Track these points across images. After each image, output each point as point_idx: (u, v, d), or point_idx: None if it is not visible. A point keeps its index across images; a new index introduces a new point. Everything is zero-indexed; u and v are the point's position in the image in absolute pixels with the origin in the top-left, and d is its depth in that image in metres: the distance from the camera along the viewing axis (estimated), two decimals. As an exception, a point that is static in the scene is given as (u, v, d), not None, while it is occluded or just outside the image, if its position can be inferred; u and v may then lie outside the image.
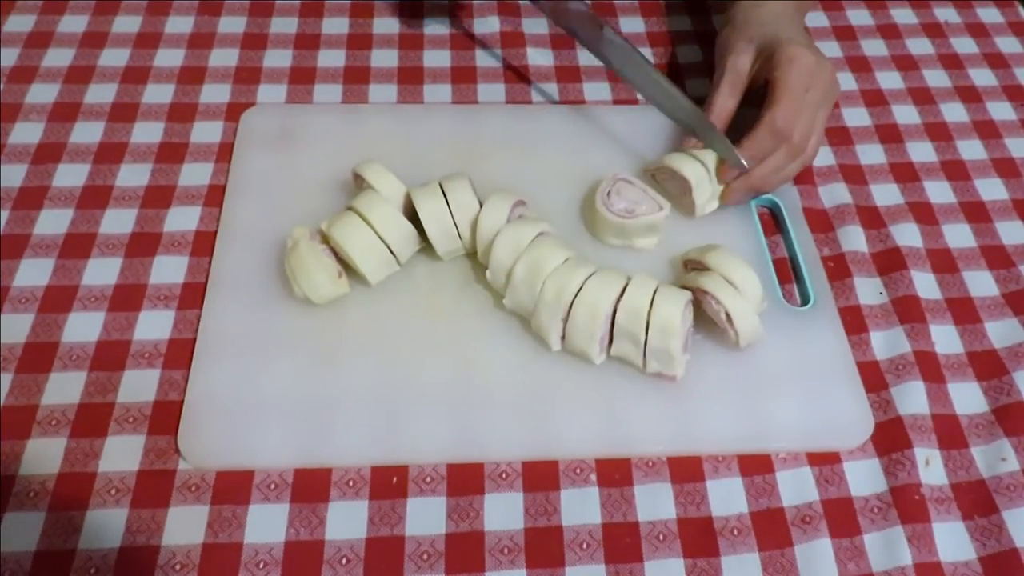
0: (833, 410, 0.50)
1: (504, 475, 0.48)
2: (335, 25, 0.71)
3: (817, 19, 0.76)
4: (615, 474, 0.48)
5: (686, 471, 0.48)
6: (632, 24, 0.74)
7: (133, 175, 0.60)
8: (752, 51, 0.59)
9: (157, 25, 0.70)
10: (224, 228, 0.57)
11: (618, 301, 0.50)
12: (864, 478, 0.48)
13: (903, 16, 0.77)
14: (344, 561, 0.44)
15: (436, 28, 0.71)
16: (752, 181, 0.57)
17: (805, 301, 0.56)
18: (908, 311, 0.55)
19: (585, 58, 0.70)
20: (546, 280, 0.51)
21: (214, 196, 0.59)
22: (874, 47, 0.74)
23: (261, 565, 0.44)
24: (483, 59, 0.70)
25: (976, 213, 0.62)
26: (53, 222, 0.57)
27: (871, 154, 0.65)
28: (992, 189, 0.64)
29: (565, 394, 0.51)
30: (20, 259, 0.55)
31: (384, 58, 0.69)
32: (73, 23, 0.70)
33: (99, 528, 0.44)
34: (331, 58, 0.69)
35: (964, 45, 0.75)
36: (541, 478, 0.48)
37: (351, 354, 0.51)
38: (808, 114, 0.56)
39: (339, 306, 0.53)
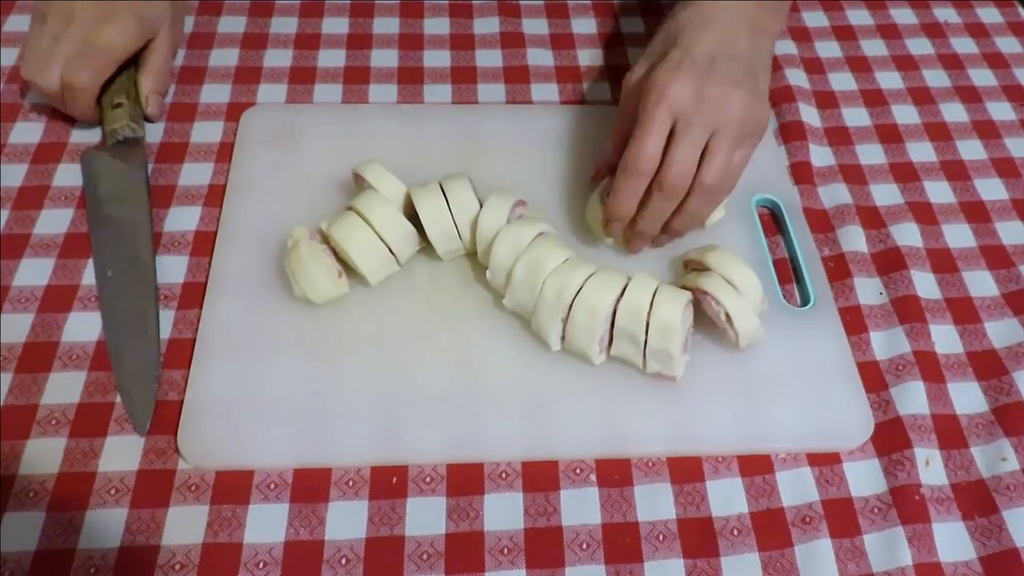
0: (833, 410, 0.50)
1: (504, 475, 0.48)
2: (335, 25, 0.71)
3: (817, 19, 0.76)
4: (615, 474, 0.48)
5: (686, 471, 0.48)
6: (632, 24, 0.74)
7: (133, 175, 0.60)
8: (643, 71, 0.51)
9: None
10: (224, 228, 0.57)
11: (618, 301, 0.50)
12: (864, 478, 0.48)
13: (903, 16, 0.77)
14: (344, 561, 0.44)
15: (436, 28, 0.71)
16: (639, 228, 0.52)
17: (805, 301, 0.56)
18: (908, 311, 0.55)
19: (585, 58, 0.70)
20: (546, 280, 0.51)
21: (214, 196, 0.59)
22: (874, 47, 0.74)
23: (261, 565, 0.44)
24: (483, 59, 0.70)
25: (976, 213, 0.62)
26: (53, 222, 0.57)
27: (871, 154, 0.65)
28: (992, 189, 0.64)
29: (565, 394, 0.51)
30: (20, 259, 0.55)
31: (384, 58, 0.69)
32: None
33: (99, 528, 0.44)
34: (331, 58, 0.69)
35: (964, 45, 0.75)
36: (541, 478, 0.48)
37: (351, 354, 0.51)
38: (685, 149, 0.48)
39: (339, 306, 0.53)
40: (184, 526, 0.45)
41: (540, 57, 0.69)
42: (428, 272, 0.56)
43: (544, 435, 0.49)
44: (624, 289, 0.50)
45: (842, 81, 0.70)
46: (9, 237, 0.56)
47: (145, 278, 0.53)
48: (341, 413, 0.49)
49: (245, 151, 0.61)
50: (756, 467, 0.49)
